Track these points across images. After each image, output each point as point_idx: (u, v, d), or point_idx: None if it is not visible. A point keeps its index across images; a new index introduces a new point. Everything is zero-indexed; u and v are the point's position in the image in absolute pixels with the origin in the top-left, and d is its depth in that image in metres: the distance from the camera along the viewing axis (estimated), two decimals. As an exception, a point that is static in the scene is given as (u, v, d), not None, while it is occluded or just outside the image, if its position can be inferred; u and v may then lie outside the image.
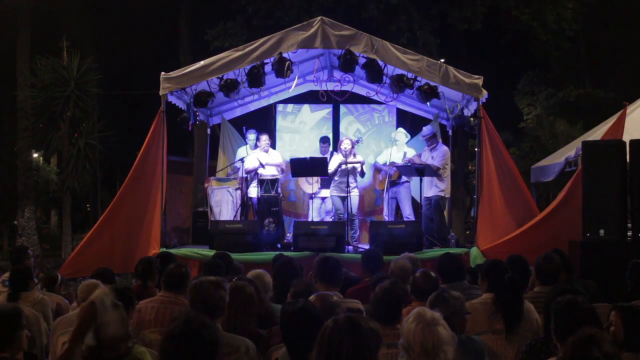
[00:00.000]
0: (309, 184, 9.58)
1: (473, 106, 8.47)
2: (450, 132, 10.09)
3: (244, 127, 9.87)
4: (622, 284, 5.12)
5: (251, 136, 9.72)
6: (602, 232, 6.51)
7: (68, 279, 7.73)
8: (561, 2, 14.77)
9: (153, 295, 4.53)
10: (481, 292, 4.43)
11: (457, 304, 3.39)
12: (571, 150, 9.83)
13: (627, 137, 7.05)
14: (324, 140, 9.76)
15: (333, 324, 2.43)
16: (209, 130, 10.70)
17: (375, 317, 3.30)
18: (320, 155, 9.44)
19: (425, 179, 8.87)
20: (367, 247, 8.07)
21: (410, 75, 8.28)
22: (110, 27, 16.95)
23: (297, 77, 9.11)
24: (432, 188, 9.03)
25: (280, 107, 10.91)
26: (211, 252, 7.02)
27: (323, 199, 9.73)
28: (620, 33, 17.86)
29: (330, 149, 9.78)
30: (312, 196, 9.58)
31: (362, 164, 9.31)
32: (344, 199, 9.12)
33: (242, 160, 9.15)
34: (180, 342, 2.44)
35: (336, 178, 9.24)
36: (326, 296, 3.58)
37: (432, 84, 8.30)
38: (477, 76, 8.18)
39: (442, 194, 9.04)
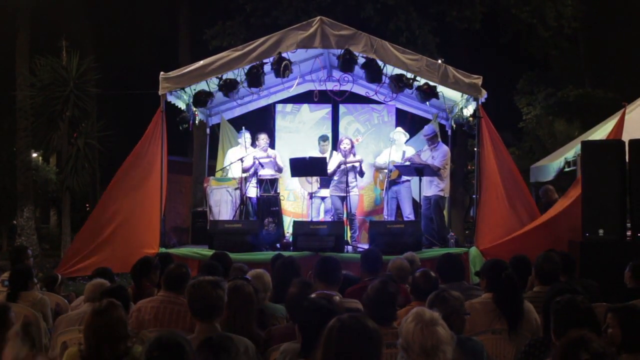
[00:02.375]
0: (309, 183, 9.58)
1: (472, 106, 8.48)
2: (449, 132, 10.09)
3: (243, 127, 9.86)
4: (622, 284, 5.13)
5: (246, 135, 9.69)
6: (601, 232, 6.52)
7: (68, 279, 7.74)
8: None
9: (151, 295, 4.53)
10: (482, 291, 4.44)
11: (457, 304, 3.39)
12: (570, 150, 9.85)
13: (626, 137, 7.05)
14: (323, 138, 9.74)
15: (340, 324, 2.43)
16: (208, 130, 10.69)
17: (370, 317, 3.29)
18: (320, 155, 9.44)
19: (425, 178, 8.88)
20: (366, 247, 8.07)
21: (409, 75, 8.28)
22: (110, 27, 16.95)
23: (298, 77, 9.13)
24: (432, 187, 9.03)
25: (279, 107, 10.90)
26: (210, 252, 7.01)
27: (322, 198, 9.73)
28: (620, 33, 17.87)
29: (330, 147, 9.77)
30: (311, 195, 9.58)
31: (361, 162, 9.31)
32: (343, 199, 9.12)
33: (241, 160, 9.13)
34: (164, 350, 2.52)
35: (335, 178, 9.24)
36: (328, 297, 3.58)
37: (431, 83, 8.31)
38: (476, 76, 8.18)
39: (441, 193, 9.04)
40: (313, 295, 3.55)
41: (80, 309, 4.45)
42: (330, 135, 10.29)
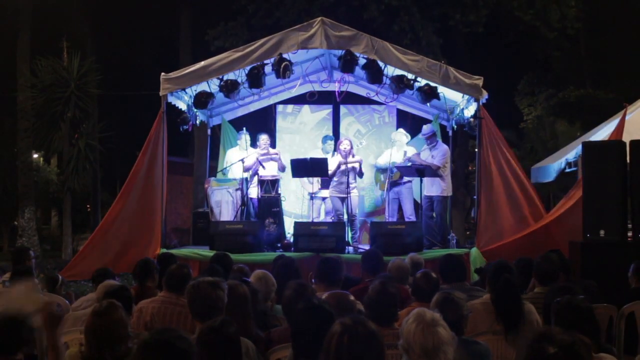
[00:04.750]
0: (310, 184, 9.59)
1: (473, 107, 8.48)
2: (450, 133, 10.09)
3: (244, 128, 9.87)
4: (623, 284, 5.13)
5: (246, 136, 9.70)
6: (602, 232, 6.51)
7: (68, 280, 7.75)
8: (564, 0, 14.77)
9: (153, 295, 4.53)
10: (484, 291, 4.45)
11: (462, 305, 3.40)
12: (571, 150, 9.84)
13: (627, 138, 7.05)
14: (330, 138, 9.74)
15: (344, 328, 2.41)
16: (209, 131, 10.70)
17: (371, 318, 3.29)
18: (324, 154, 9.45)
19: (427, 177, 8.88)
20: (367, 247, 8.07)
21: (410, 75, 8.29)
22: (111, 28, 16.95)
23: (300, 77, 9.14)
24: (434, 186, 9.02)
25: (280, 107, 10.91)
26: (211, 253, 7.02)
27: (323, 199, 9.72)
28: (621, 34, 17.87)
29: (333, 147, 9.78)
30: (312, 196, 9.59)
31: (360, 163, 9.30)
32: (343, 200, 9.11)
33: (242, 161, 9.14)
34: (152, 351, 2.46)
35: (335, 179, 9.23)
36: (342, 295, 3.55)
37: (432, 84, 8.31)
38: (477, 77, 8.18)
39: (444, 193, 9.03)
40: (324, 296, 3.50)
41: (88, 309, 4.44)
42: (319, 135, 10.30)
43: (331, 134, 10.48)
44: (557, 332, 2.35)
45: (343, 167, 9.09)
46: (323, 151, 9.66)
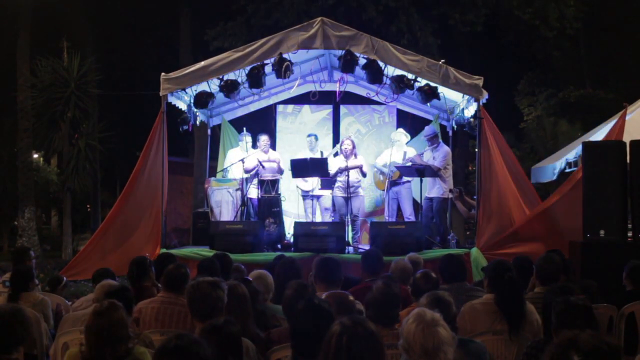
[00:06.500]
0: (304, 181, 9.60)
1: (473, 107, 8.48)
2: (450, 133, 10.09)
3: (244, 128, 9.88)
4: (622, 284, 5.12)
5: (247, 138, 9.71)
6: (602, 232, 6.51)
7: (68, 280, 7.77)
8: (563, 0, 14.78)
9: (151, 295, 4.52)
10: (484, 291, 4.45)
11: (453, 303, 3.41)
12: (571, 151, 9.84)
13: (627, 138, 7.05)
14: (311, 135, 9.81)
15: (343, 328, 2.40)
16: (209, 131, 10.70)
17: (373, 319, 3.29)
18: (308, 151, 9.48)
19: (428, 179, 8.86)
20: (367, 247, 8.07)
21: (410, 75, 8.29)
22: (112, 27, 16.95)
23: (299, 77, 9.13)
24: (435, 188, 9.02)
25: (280, 107, 10.91)
26: (211, 253, 7.01)
27: (318, 197, 9.71)
28: (621, 34, 17.85)
29: (317, 143, 9.79)
30: (306, 195, 9.60)
31: (361, 167, 9.28)
32: (346, 200, 9.11)
33: (242, 161, 9.14)
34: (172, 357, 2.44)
35: (339, 178, 9.23)
36: (341, 295, 3.54)
37: (432, 84, 8.31)
38: (477, 77, 8.18)
39: (445, 195, 9.03)
40: (324, 296, 3.50)
41: (88, 309, 4.44)
42: (331, 136, 10.33)
43: (331, 134, 10.50)
44: (584, 338, 2.25)
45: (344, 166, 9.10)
46: (309, 149, 9.68)
